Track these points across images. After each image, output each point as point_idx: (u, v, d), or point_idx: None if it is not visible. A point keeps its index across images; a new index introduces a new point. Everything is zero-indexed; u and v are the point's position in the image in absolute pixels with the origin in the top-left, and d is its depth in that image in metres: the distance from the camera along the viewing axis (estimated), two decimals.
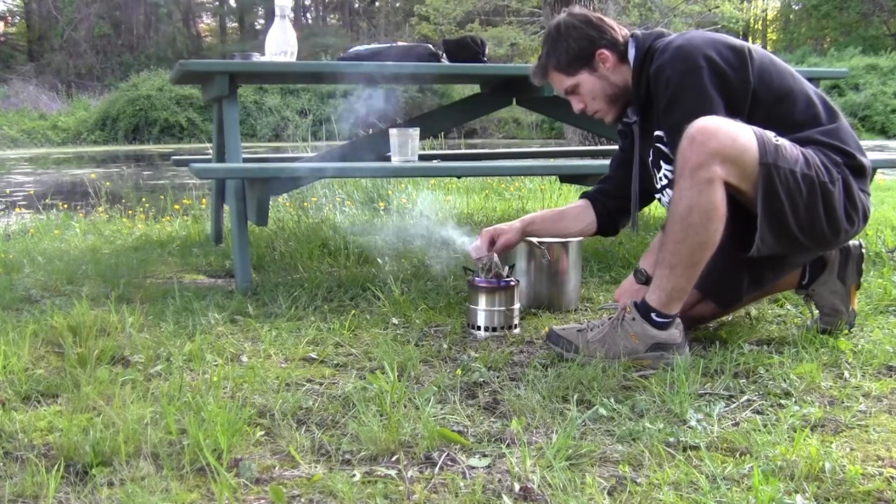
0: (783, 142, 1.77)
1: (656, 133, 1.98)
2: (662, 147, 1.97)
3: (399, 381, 1.61)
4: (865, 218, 1.90)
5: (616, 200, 2.19)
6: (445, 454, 1.35)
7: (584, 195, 2.25)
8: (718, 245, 1.75)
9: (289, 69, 2.91)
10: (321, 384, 1.73)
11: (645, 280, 2.03)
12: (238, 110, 2.93)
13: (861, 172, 1.88)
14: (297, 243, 3.31)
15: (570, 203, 2.27)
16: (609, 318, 1.88)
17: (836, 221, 1.82)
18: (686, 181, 1.71)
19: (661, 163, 1.99)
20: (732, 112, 1.81)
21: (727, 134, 1.71)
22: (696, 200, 1.71)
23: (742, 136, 1.73)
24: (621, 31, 2.01)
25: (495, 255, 2.15)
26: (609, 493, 1.21)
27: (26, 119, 20.37)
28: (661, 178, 2.01)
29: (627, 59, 1.98)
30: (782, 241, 1.80)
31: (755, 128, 1.76)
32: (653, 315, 1.81)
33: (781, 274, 2.02)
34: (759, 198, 1.73)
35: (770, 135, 1.77)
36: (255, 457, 1.35)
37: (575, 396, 1.60)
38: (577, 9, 2.05)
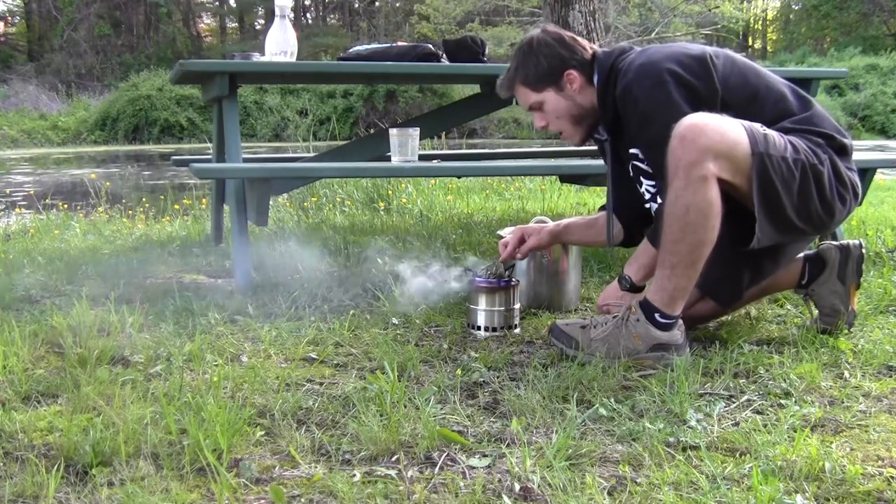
0: (770, 131, 1.78)
1: (631, 151, 2.00)
2: (640, 164, 2.00)
3: (399, 381, 1.61)
4: (856, 195, 1.91)
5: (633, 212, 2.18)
6: (445, 454, 1.35)
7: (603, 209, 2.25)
8: (715, 243, 1.75)
9: (289, 69, 2.91)
10: (321, 384, 1.73)
11: (629, 287, 2.04)
12: (238, 110, 2.93)
13: (844, 151, 1.89)
14: (297, 243, 3.31)
15: (596, 213, 2.28)
16: (613, 317, 1.88)
17: (828, 202, 1.83)
18: (680, 181, 1.71)
19: (642, 178, 2.02)
20: None
21: (716, 129, 1.71)
22: (692, 199, 1.71)
23: (731, 130, 1.73)
24: (593, 51, 2.02)
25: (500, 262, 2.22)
26: (609, 493, 1.21)
27: (26, 119, 20.34)
28: (644, 193, 2.03)
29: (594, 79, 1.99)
30: (781, 229, 1.80)
31: (742, 120, 1.77)
32: (656, 315, 1.81)
33: (780, 263, 2.02)
34: (755, 188, 1.73)
35: (757, 125, 1.78)
36: (255, 457, 1.35)
37: (575, 396, 1.60)
38: (551, 26, 2.07)
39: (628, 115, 1.91)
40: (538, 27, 2.07)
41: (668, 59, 1.85)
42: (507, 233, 2.44)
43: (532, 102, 2.04)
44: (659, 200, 1.97)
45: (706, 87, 1.84)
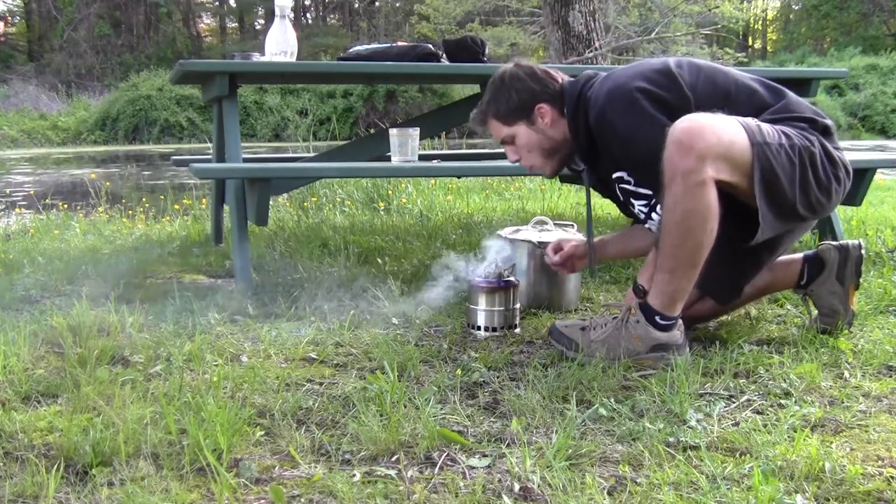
0: (761, 123, 1.79)
1: (615, 175, 2.01)
2: (627, 186, 2.01)
3: (399, 381, 1.61)
4: (848, 173, 1.91)
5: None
6: (445, 454, 1.35)
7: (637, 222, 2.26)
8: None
9: (289, 69, 2.91)
10: (321, 384, 1.73)
11: (644, 296, 2.03)
12: (238, 110, 2.93)
13: (828, 132, 1.90)
14: (297, 243, 3.31)
15: (630, 226, 2.29)
16: (613, 318, 1.88)
17: (825, 185, 1.84)
18: (678, 187, 1.70)
19: (632, 200, 2.03)
20: None
21: (712, 132, 1.71)
22: (691, 205, 1.70)
23: (727, 129, 1.73)
24: (562, 81, 2.02)
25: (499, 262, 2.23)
26: (609, 493, 1.21)
27: (26, 119, 20.32)
28: (638, 214, 2.04)
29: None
30: (783, 218, 1.81)
31: (736, 116, 1.77)
32: (656, 317, 1.81)
33: (778, 253, 2.02)
34: (757, 179, 1.73)
35: (750, 119, 1.78)
36: (255, 457, 1.35)
37: (575, 396, 1.60)
38: (524, 61, 2.07)
39: (607, 141, 1.90)
40: (512, 61, 2.07)
41: (634, 78, 1.85)
42: (508, 233, 2.44)
43: (504, 136, 2.04)
44: (654, 218, 1.98)
45: (677, 98, 1.84)
